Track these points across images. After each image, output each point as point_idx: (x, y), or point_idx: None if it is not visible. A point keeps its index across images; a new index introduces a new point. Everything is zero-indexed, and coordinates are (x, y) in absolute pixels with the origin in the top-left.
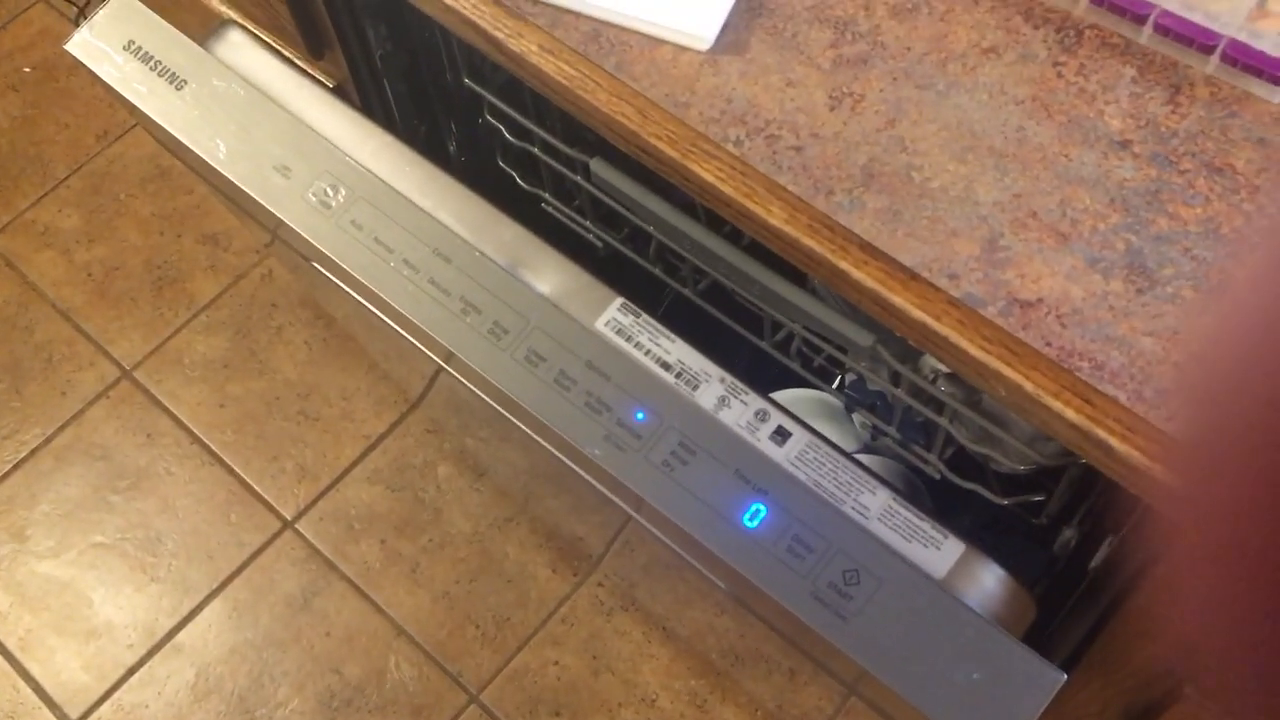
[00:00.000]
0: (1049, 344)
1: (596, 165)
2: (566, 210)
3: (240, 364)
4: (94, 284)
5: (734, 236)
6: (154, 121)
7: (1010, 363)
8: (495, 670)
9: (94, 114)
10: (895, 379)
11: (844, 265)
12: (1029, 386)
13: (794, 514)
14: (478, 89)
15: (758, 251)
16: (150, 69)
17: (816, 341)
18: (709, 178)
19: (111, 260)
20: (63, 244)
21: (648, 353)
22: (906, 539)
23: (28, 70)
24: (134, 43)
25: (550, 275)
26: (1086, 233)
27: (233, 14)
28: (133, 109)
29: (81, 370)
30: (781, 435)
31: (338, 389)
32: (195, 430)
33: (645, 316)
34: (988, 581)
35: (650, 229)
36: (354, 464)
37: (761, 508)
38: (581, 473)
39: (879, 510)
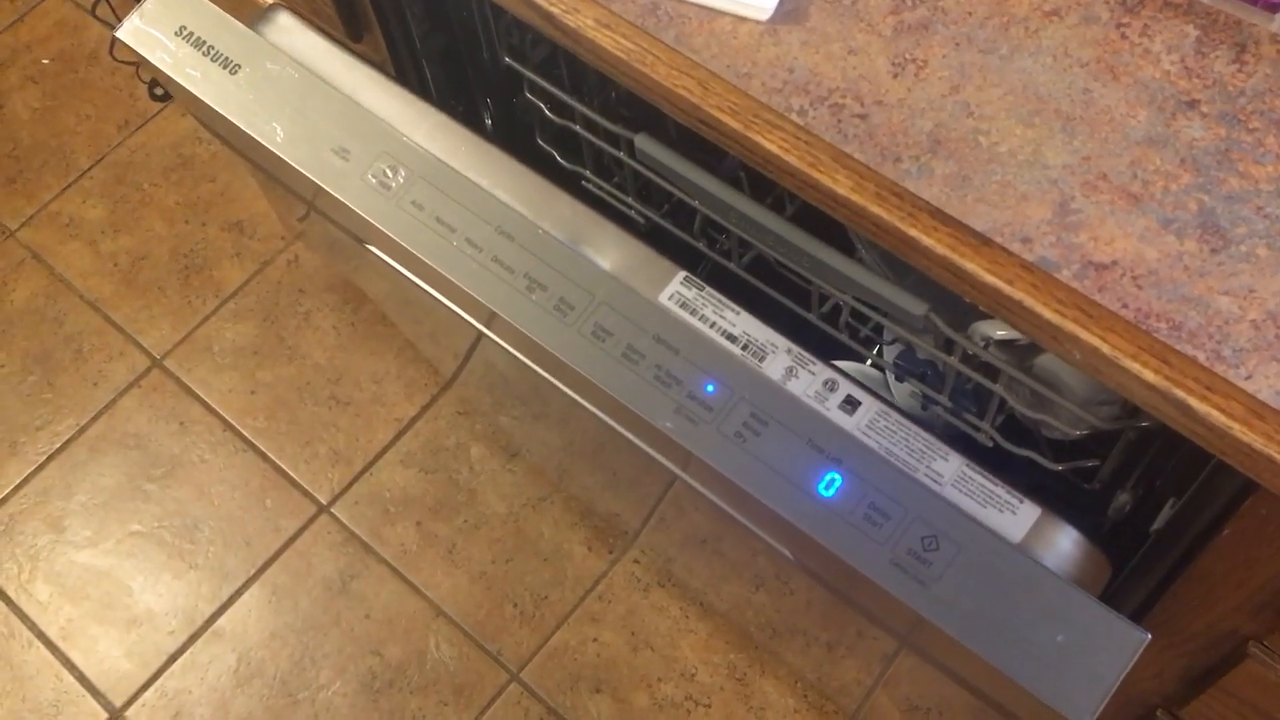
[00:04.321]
0: (1125, 305)
1: (641, 141)
2: (608, 187)
3: (270, 350)
4: (121, 274)
5: (777, 207)
6: (207, 107)
7: (1086, 325)
8: (535, 648)
9: (114, 104)
10: (948, 347)
11: (914, 232)
12: (1106, 349)
13: (869, 482)
14: (518, 67)
15: (803, 223)
16: (203, 54)
17: (866, 312)
18: (773, 148)
19: (138, 250)
20: (88, 235)
21: (713, 325)
22: (982, 504)
23: (46, 62)
24: (185, 28)
25: (611, 250)
26: (1158, 194)
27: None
28: (186, 95)
29: (112, 360)
30: (851, 404)
31: (368, 373)
32: (227, 417)
33: (709, 289)
34: (1063, 544)
35: (696, 204)
36: (387, 447)
37: (836, 477)
38: (645, 446)
39: (952, 476)
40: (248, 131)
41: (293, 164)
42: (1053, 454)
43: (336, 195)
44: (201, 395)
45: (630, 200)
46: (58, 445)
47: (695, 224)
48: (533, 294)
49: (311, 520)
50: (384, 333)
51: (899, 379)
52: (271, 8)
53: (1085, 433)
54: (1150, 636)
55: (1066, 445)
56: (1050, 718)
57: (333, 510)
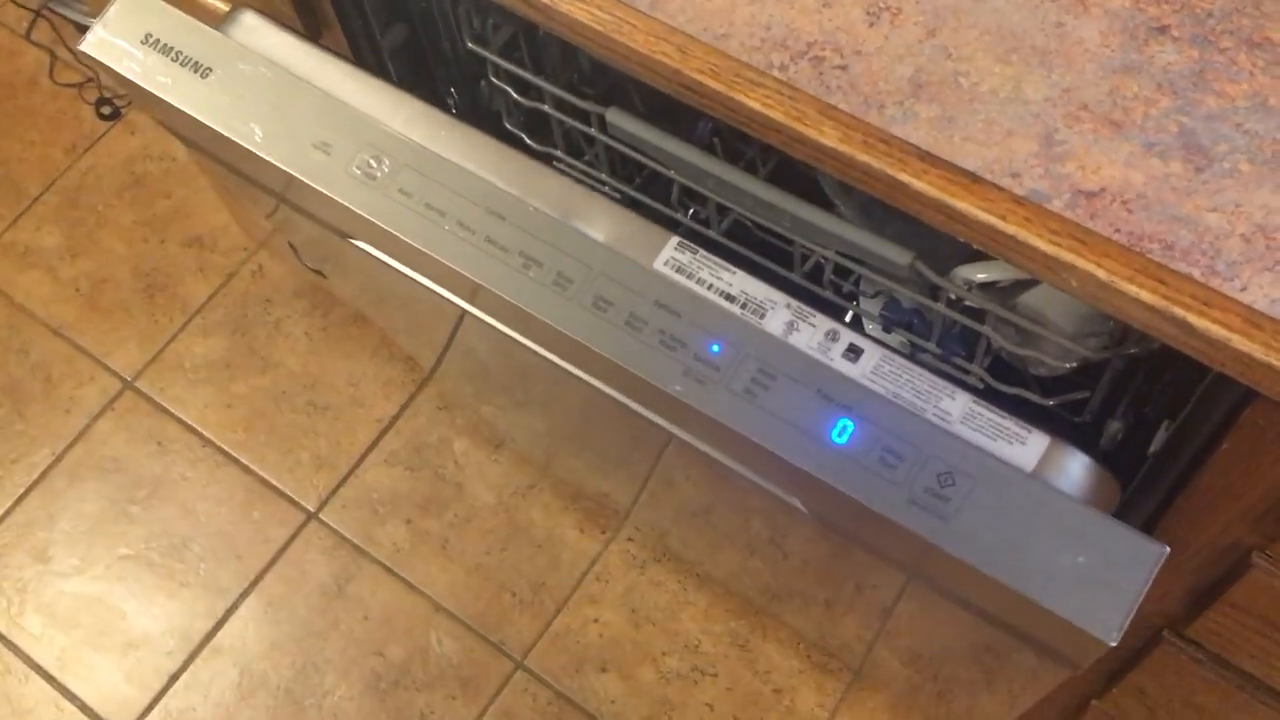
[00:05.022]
0: (1117, 230)
1: (613, 115)
2: (580, 166)
3: (242, 362)
4: (84, 298)
5: (751, 171)
6: (182, 113)
7: (1081, 253)
8: (537, 634)
9: (60, 128)
10: (932, 294)
11: (904, 177)
12: (1102, 274)
13: (881, 426)
14: (483, 52)
15: (779, 184)
16: (172, 60)
17: (851, 266)
18: (757, 106)
19: (98, 273)
20: (46, 262)
21: (710, 287)
22: (991, 438)
23: None
24: (152, 35)
25: (602, 222)
26: (1139, 119)
27: (221, 4)
28: (158, 103)
29: (83, 386)
30: (854, 352)
31: (344, 376)
32: (205, 433)
33: (703, 252)
34: (1074, 469)
35: (672, 173)
36: (370, 448)
37: (849, 423)
38: (655, 417)
39: (961, 413)
40: (226, 134)
41: (275, 163)
42: (1041, 392)
43: (323, 190)
44: (177, 413)
45: (604, 177)
46: (35, 476)
47: (673, 194)
48: (530, 271)
49: (301, 528)
50: (356, 334)
51: (886, 330)
52: (236, 9)
53: (1074, 365)
54: (1169, 549)
55: (1053, 382)
56: (1078, 639)
57: (321, 516)
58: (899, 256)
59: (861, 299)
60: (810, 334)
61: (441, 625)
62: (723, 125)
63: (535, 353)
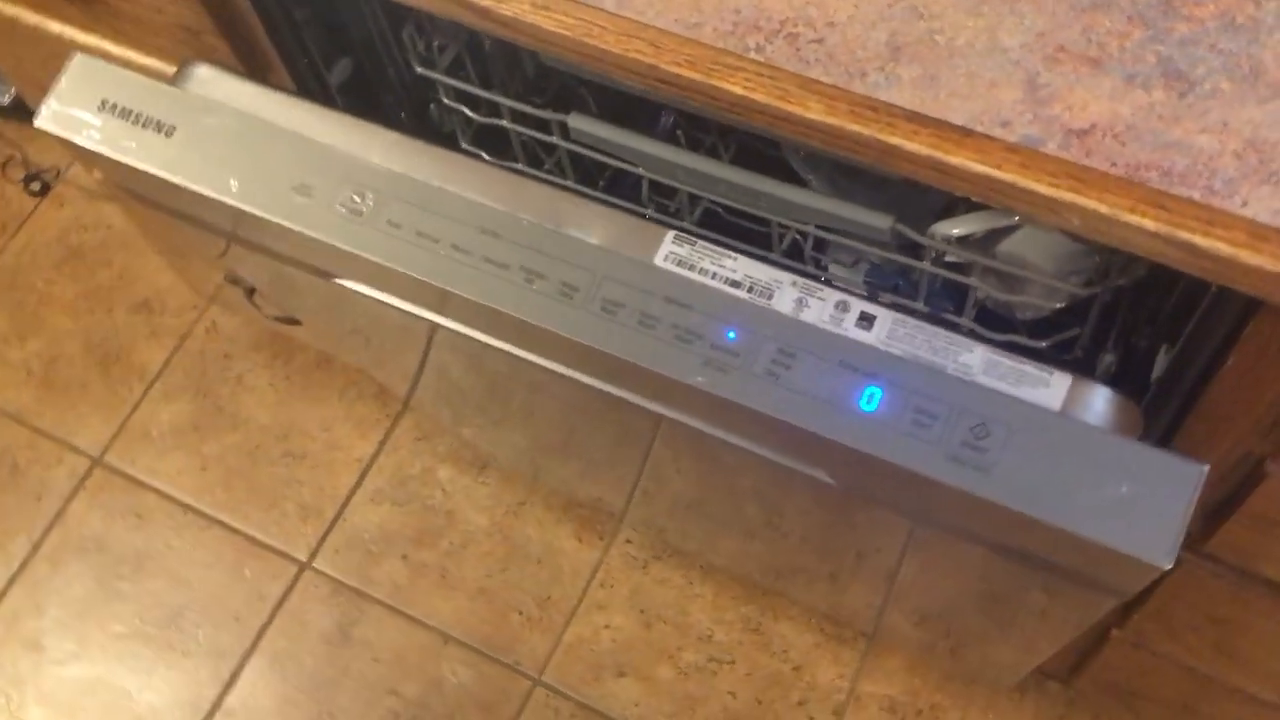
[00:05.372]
0: (1113, 164)
1: (575, 120)
2: (543, 176)
3: (210, 423)
4: (37, 380)
5: (714, 156)
6: (152, 176)
7: (1080, 191)
8: (550, 649)
9: None
10: (913, 254)
11: (895, 140)
12: (1104, 209)
13: (908, 388)
14: (434, 75)
15: (744, 166)
16: (133, 123)
17: (831, 238)
18: (738, 90)
19: (48, 351)
20: None
21: (714, 275)
22: (1015, 384)
23: None
24: (108, 100)
25: (595, 225)
26: (1115, 53)
27: (163, 64)
28: (124, 170)
29: (50, 469)
30: (867, 320)
31: (316, 421)
32: (183, 499)
33: (701, 243)
34: (1099, 403)
35: (640, 170)
36: (354, 490)
37: (876, 390)
38: (672, 413)
39: (981, 365)
40: (202, 191)
41: (257, 213)
42: (1029, 336)
43: (311, 234)
44: (151, 483)
45: (569, 184)
46: (16, 567)
47: (643, 192)
48: (534, 285)
49: (296, 579)
50: (322, 379)
51: (871, 297)
52: (187, 62)
53: (1062, 305)
54: (1208, 466)
55: (1039, 325)
56: (1131, 567)
57: (314, 565)
58: (880, 221)
59: (836, 268)
60: (820, 308)
61: (453, 655)
62: (683, 116)
63: (533, 365)
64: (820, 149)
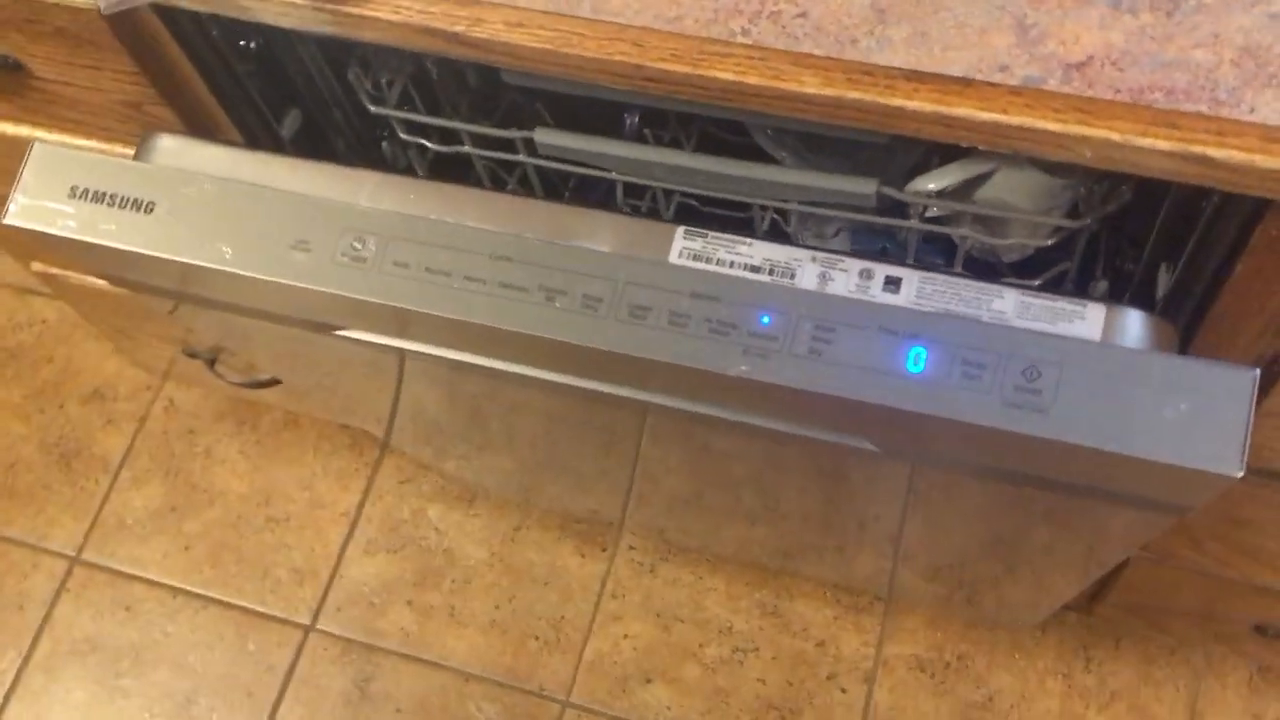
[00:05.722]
0: (1117, 91)
1: (542, 135)
2: (520, 192)
3: (185, 501)
4: None
5: (677, 147)
6: (141, 257)
7: (1089, 122)
8: (572, 669)
9: None
10: (900, 214)
11: (897, 101)
12: (1116, 136)
13: (951, 343)
14: (389, 112)
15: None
16: (109, 205)
17: (816, 211)
18: (730, 76)
19: (4, 459)
20: None
21: (733, 264)
22: (1052, 322)
23: None
24: (78, 186)
25: (602, 233)
26: None
27: (101, 144)
28: (108, 254)
29: (28, 577)
30: (893, 283)
31: (294, 482)
32: (172, 583)
33: (712, 234)
34: (1134, 327)
35: (614, 174)
36: (345, 544)
37: (920, 350)
38: (705, 409)
39: (1014, 309)
40: (196, 263)
41: (259, 276)
42: (1019, 279)
43: (319, 289)
44: (135, 572)
45: (540, 198)
46: (10, 682)
47: (618, 195)
48: (556, 302)
49: (302, 645)
50: (292, 438)
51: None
52: (148, 135)
53: (1052, 241)
54: (1259, 371)
55: (1023, 265)
56: (1202, 482)
57: (319, 626)
58: (865, 187)
59: (816, 243)
60: (845, 279)
61: (476, 692)
62: (647, 113)
63: (521, 383)
64: (814, 123)
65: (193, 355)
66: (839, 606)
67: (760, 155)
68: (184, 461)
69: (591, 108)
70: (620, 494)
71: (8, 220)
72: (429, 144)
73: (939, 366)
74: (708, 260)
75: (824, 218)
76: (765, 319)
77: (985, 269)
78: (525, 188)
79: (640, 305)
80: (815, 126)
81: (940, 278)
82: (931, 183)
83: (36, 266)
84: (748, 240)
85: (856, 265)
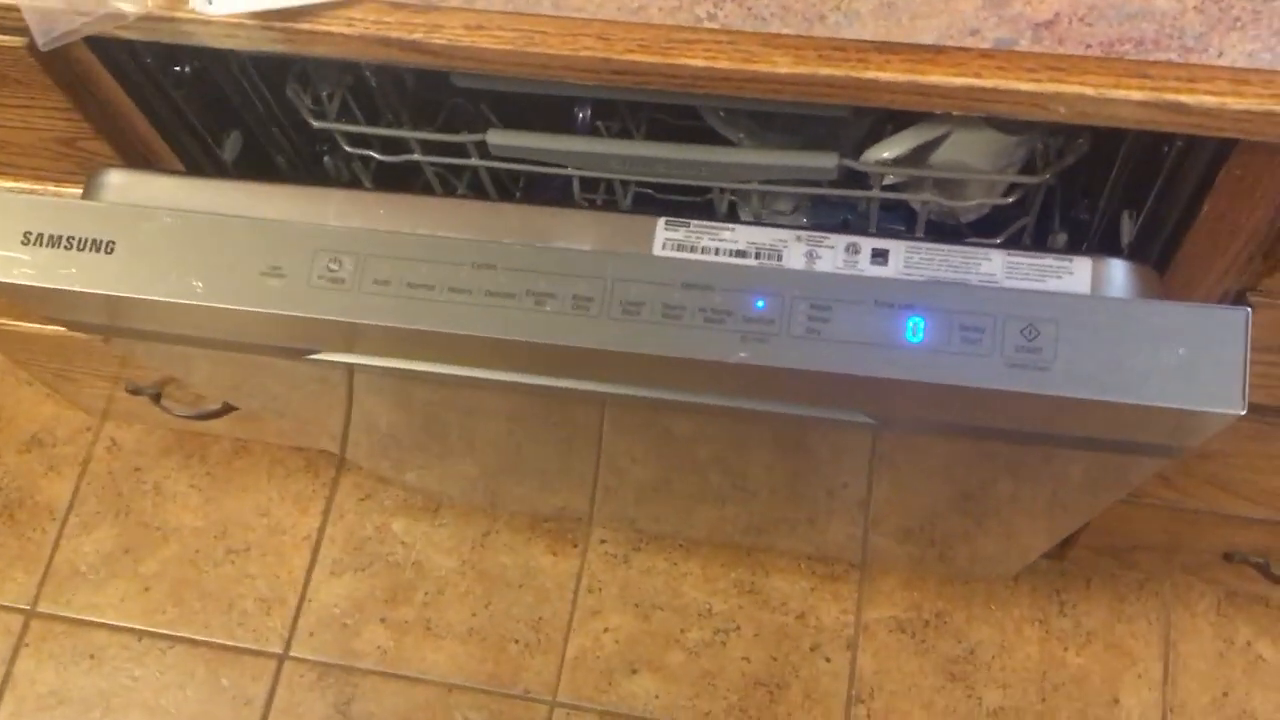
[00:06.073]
0: (1088, 46)
1: (494, 136)
2: (468, 197)
3: (139, 541)
4: None
5: (628, 136)
6: (106, 298)
7: (1062, 80)
8: (556, 669)
9: None
10: (862, 184)
11: (870, 74)
12: (1090, 91)
13: (947, 309)
14: (333, 126)
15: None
16: (66, 249)
17: (776, 190)
18: (700, 63)
19: None
20: None
21: (718, 251)
22: (1041, 279)
23: None
24: (31, 232)
25: (581, 232)
26: None
27: (33, 185)
28: (70, 299)
29: None
30: (881, 255)
31: (250, 510)
32: (134, 625)
33: (694, 223)
34: (1120, 276)
35: (569, 170)
36: (310, 568)
37: (918, 320)
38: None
39: (1003, 270)
40: (167, 300)
41: (235, 307)
42: (978, 237)
43: (297, 314)
44: (95, 619)
45: (493, 199)
46: None
47: (575, 189)
48: (546, 306)
49: (278, 674)
50: (244, 465)
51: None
52: (95, 172)
53: (1012, 198)
54: (1250, 309)
55: (980, 225)
56: (1206, 423)
57: (292, 654)
58: (826, 161)
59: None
60: (832, 256)
61: (461, 702)
62: (597, 105)
63: (488, 386)
64: (767, 101)
65: (136, 392)
66: (814, 577)
67: (712, 136)
68: (133, 501)
69: (538, 104)
70: (586, 488)
71: None
72: (377, 155)
73: (938, 334)
74: (692, 249)
75: (782, 195)
76: (760, 303)
77: (946, 232)
78: (475, 191)
79: (632, 301)
80: (767, 105)
81: (925, 246)
82: (886, 151)
83: None
84: (730, 226)
85: (842, 241)
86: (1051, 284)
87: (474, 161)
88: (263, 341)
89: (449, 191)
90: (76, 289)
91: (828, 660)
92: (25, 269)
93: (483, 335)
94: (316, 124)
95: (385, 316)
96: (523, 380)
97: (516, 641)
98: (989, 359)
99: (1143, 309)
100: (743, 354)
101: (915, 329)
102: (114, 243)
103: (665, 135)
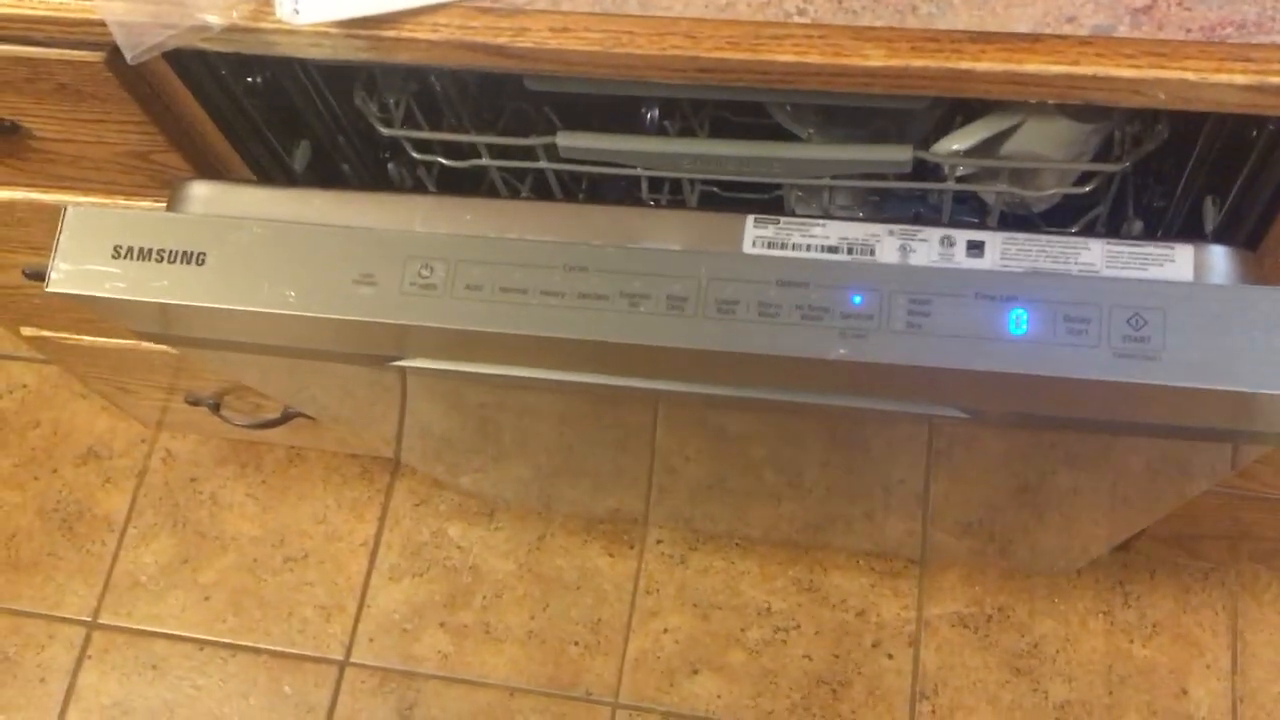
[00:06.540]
0: (1188, 30)
1: (564, 138)
2: (532, 199)
3: (198, 551)
4: (1, 563)
5: (691, 134)
6: (199, 311)
7: (1164, 65)
8: (617, 670)
9: None
10: (935, 176)
11: (965, 65)
12: (1192, 76)
13: (1050, 300)
14: (402, 133)
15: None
16: (157, 261)
17: (849, 184)
18: (791, 58)
19: (4, 531)
20: None
21: (809, 247)
22: (1144, 268)
23: None
24: (120, 246)
25: (670, 232)
26: None
27: (104, 199)
28: (163, 312)
29: (45, 648)
30: (977, 247)
31: (307, 517)
32: (196, 635)
33: (783, 220)
34: (1219, 261)
35: (639, 170)
36: (369, 574)
37: (1021, 312)
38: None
39: (1103, 259)
40: (262, 310)
41: (327, 316)
42: (1051, 226)
43: (390, 322)
44: (157, 629)
45: (560, 200)
46: None
47: (643, 190)
48: (640, 307)
49: (340, 681)
50: (300, 473)
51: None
52: (179, 185)
53: (1089, 187)
54: None
55: (1051, 214)
56: None
57: (353, 660)
58: (900, 154)
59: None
60: (927, 249)
61: (524, 705)
62: (664, 105)
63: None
64: (834, 94)
65: (196, 403)
66: (874, 574)
67: (774, 132)
68: (190, 511)
69: (599, 104)
70: (641, 489)
71: (52, 289)
72: (445, 160)
73: (1042, 326)
74: (783, 246)
75: (845, 190)
76: (857, 299)
77: (1020, 223)
78: (538, 193)
79: (727, 300)
80: (834, 98)
81: (1021, 236)
82: (957, 143)
83: (27, 331)
84: (820, 221)
85: (936, 234)
86: (1153, 272)
87: (543, 164)
88: (350, 350)
89: (513, 194)
90: (170, 302)
91: (890, 657)
92: (117, 283)
93: (578, 338)
94: (386, 131)
95: (479, 322)
96: (609, 383)
97: (576, 644)
98: (1096, 350)
99: (1251, 295)
100: (842, 350)
101: (1019, 321)
102: (205, 254)
103: (728, 132)
